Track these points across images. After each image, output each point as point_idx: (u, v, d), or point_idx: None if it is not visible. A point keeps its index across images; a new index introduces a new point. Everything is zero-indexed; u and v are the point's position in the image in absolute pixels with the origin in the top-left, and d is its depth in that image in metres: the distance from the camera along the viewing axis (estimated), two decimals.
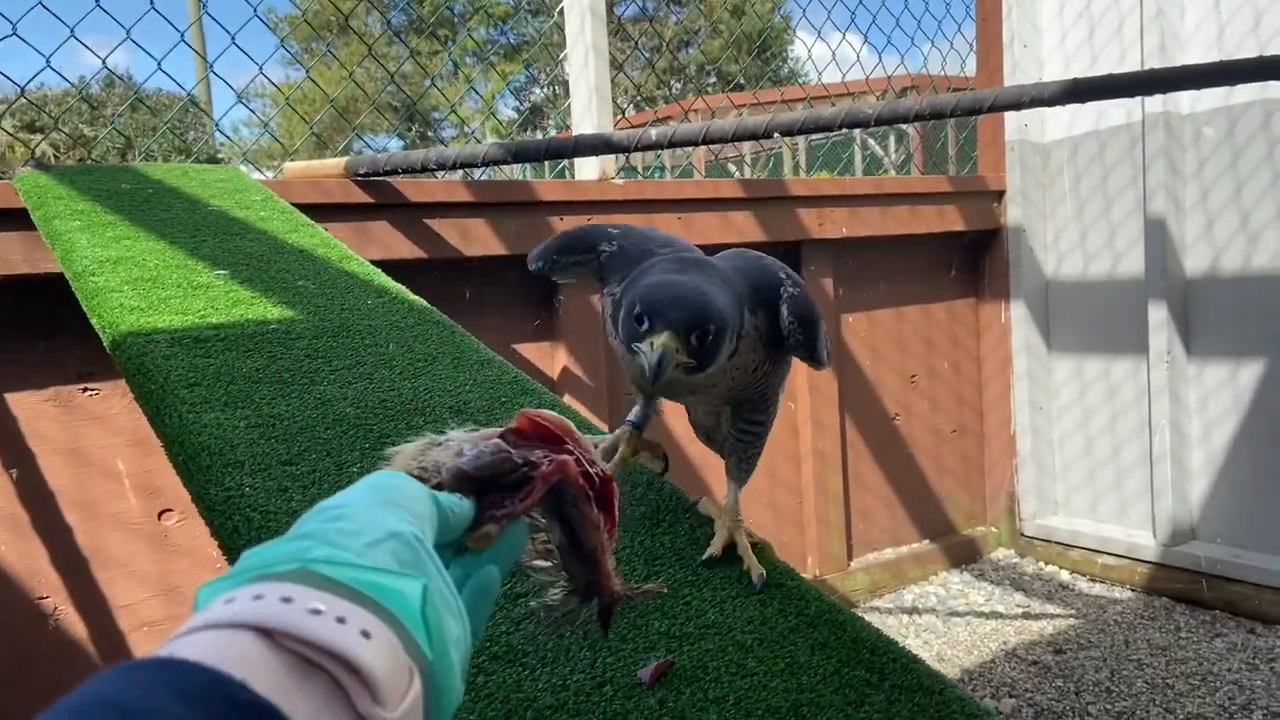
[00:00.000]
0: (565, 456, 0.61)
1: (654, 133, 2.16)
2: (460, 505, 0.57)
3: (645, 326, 0.88)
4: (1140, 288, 3.13)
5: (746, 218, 2.99)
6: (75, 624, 2.15)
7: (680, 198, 2.86)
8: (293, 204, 2.08)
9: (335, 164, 2.36)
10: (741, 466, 1.16)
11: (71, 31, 2.39)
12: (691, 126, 2.15)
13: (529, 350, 2.75)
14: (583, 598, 0.63)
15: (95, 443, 2.19)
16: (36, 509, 2.11)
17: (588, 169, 2.78)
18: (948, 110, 2.02)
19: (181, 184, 2.02)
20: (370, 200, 2.40)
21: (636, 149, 2.20)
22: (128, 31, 2.45)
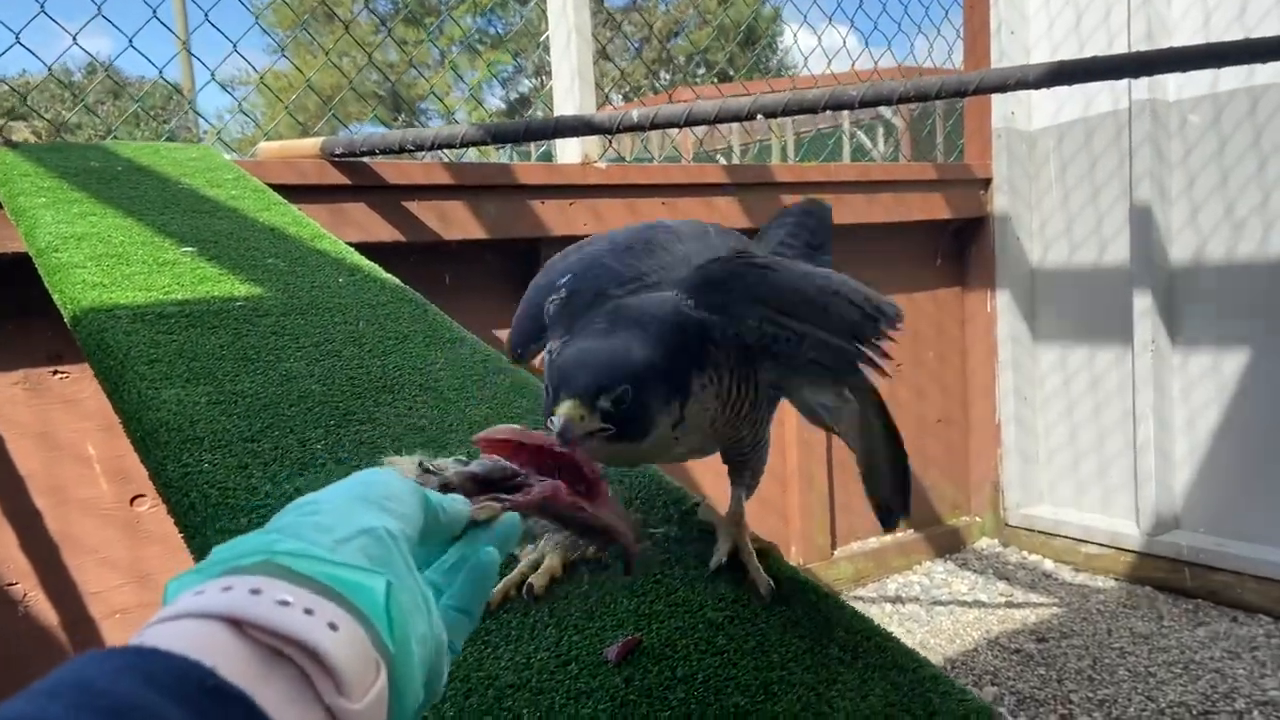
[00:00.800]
0: (556, 482, 0.64)
1: (635, 114, 2.13)
2: (454, 502, 0.58)
3: (551, 397, 0.80)
4: (1125, 276, 3.12)
5: (731, 203, 2.96)
6: (46, 610, 2.11)
7: (665, 183, 2.83)
8: (268, 184, 2.04)
9: (311, 144, 2.32)
10: (745, 474, 1.02)
11: (43, 8, 2.35)
12: (675, 108, 2.13)
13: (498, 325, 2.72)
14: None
15: (65, 426, 2.15)
16: (4, 493, 2.07)
17: (569, 152, 2.74)
18: (933, 92, 2.00)
19: (152, 162, 1.98)
20: (347, 181, 2.36)
21: (618, 130, 2.17)
22: (99, 9, 2.40)
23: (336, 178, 2.35)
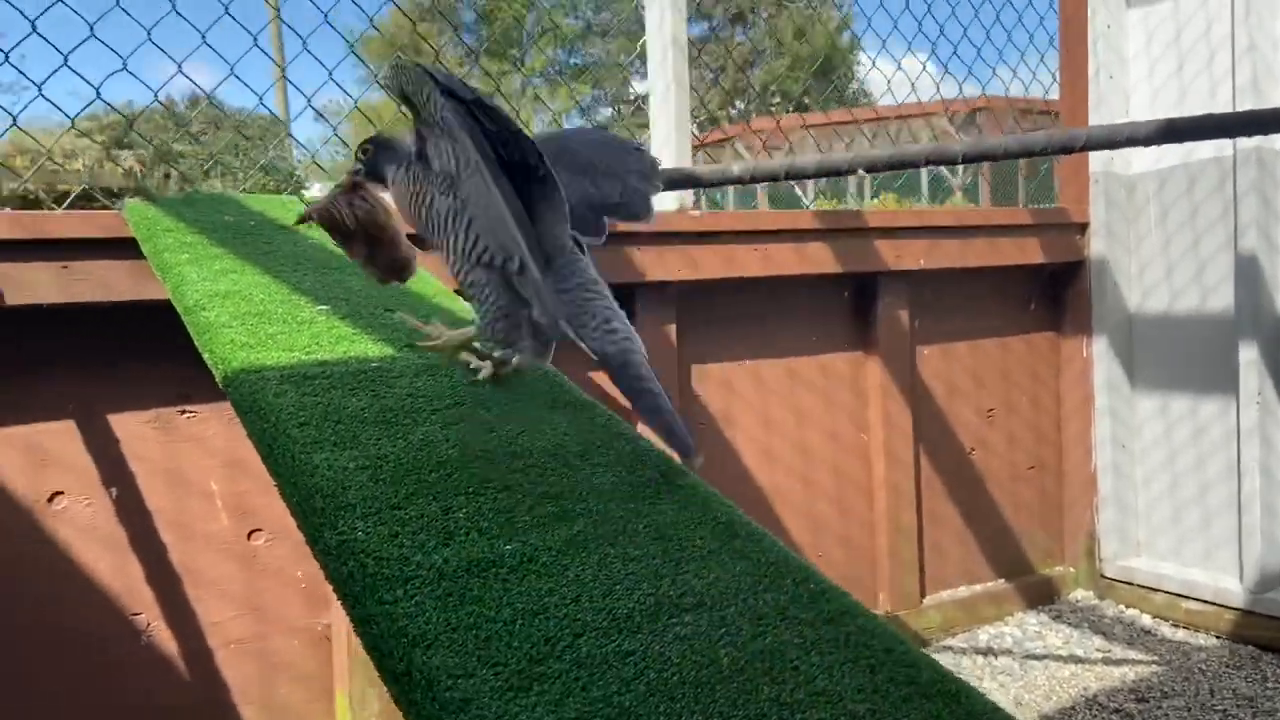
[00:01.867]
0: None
1: (736, 168, 2.18)
2: None
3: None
4: (1229, 326, 3.05)
5: (821, 248, 2.98)
6: (166, 640, 2.22)
7: (756, 229, 2.87)
8: None
9: None
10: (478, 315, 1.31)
11: (149, 33, 2.49)
12: (774, 163, 2.16)
13: (602, 377, 2.77)
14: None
15: (191, 464, 2.26)
16: (134, 528, 2.19)
17: (665, 199, 2.80)
18: (1038, 148, 2.01)
19: (280, 215, 2.08)
20: None
21: (720, 184, 2.21)
22: (203, 36, 2.54)
23: None
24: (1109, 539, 3.46)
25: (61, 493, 2.13)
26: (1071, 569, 3.56)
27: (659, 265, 2.72)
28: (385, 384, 1.35)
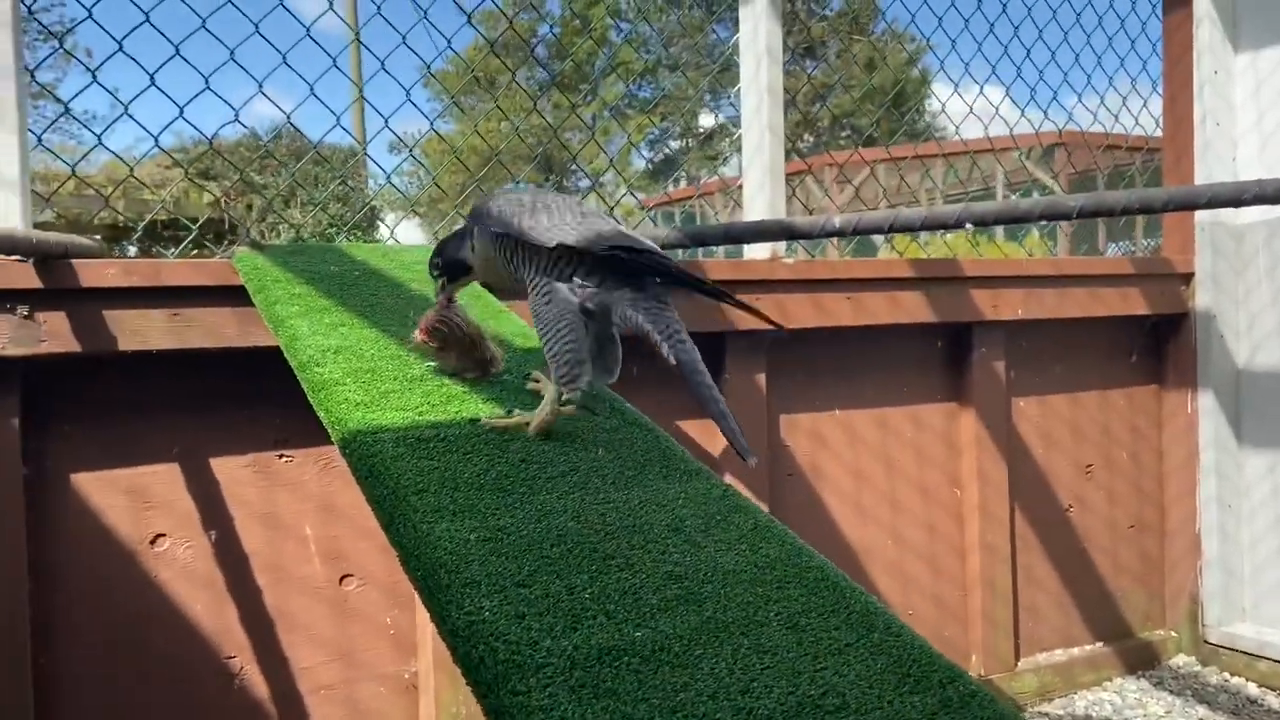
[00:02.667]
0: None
1: (838, 220, 2.14)
2: None
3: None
4: None
5: (916, 298, 2.92)
6: (258, 684, 2.23)
7: (849, 277, 2.82)
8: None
9: None
10: (553, 367, 1.38)
11: (232, 54, 2.55)
12: (878, 215, 2.12)
13: (690, 427, 2.74)
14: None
15: (287, 508, 2.28)
16: (231, 570, 2.21)
17: (758, 248, 2.77)
18: (1159, 205, 1.93)
19: (383, 265, 2.10)
20: None
21: (819, 236, 2.18)
22: (284, 57, 2.59)
23: None
24: (1213, 603, 3.30)
25: (163, 535, 2.16)
26: (1173, 633, 3.41)
27: (748, 314, 2.67)
28: (499, 448, 1.33)
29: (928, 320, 2.94)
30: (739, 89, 2.80)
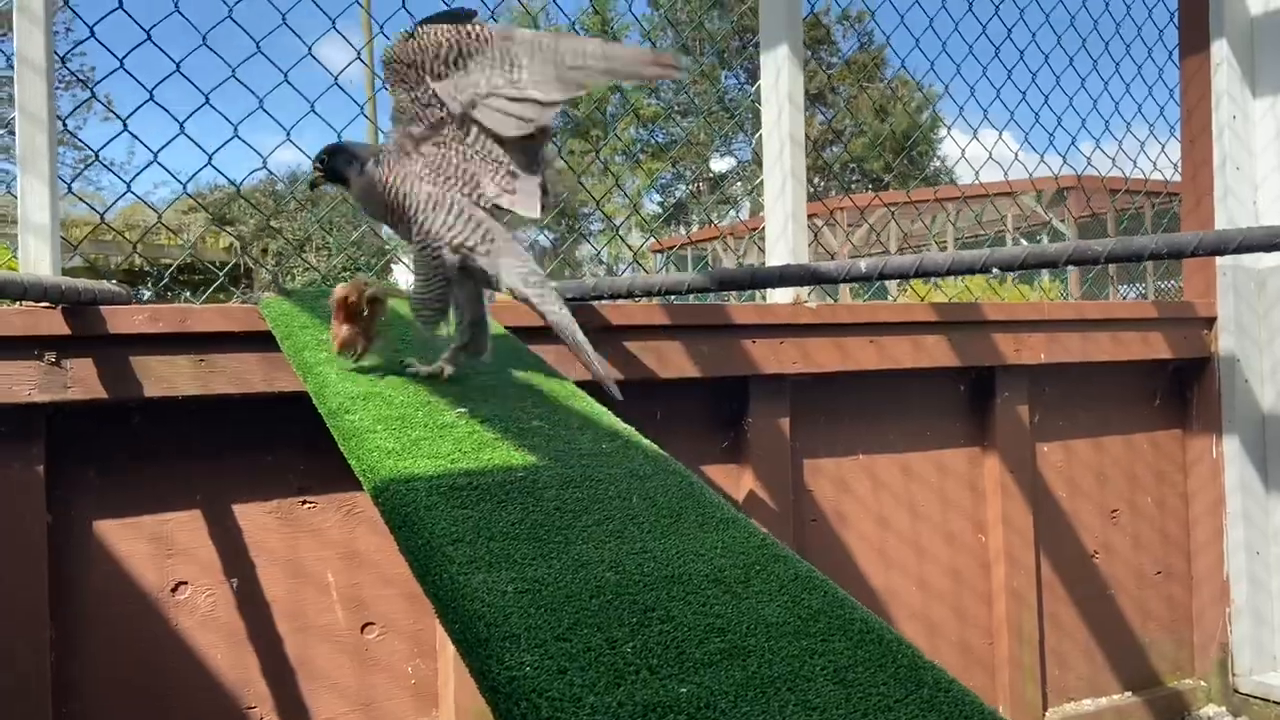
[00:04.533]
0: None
1: (863, 265, 2.14)
2: None
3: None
4: None
5: (939, 342, 2.91)
6: None
7: (873, 321, 2.81)
8: (504, 326, 2.14)
9: None
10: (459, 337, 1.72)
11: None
12: (905, 259, 2.12)
13: (715, 471, 2.73)
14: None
15: (309, 555, 2.27)
16: (252, 619, 2.19)
17: (780, 293, 2.77)
18: (1189, 249, 1.93)
19: (406, 311, 2.10)
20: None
21: (844, 280, 2.17)
22: (312, 106, 2.61)
23: None
24: (1243, 652, 3.24)
25: (185, 583, 2.15)
26: (1202, 683, 3.34)
27: (772, 358, 2.67)
28: (532, 495, 1.32)
29: (951, 364, 2.92)
30: (758, 135, 2.82)
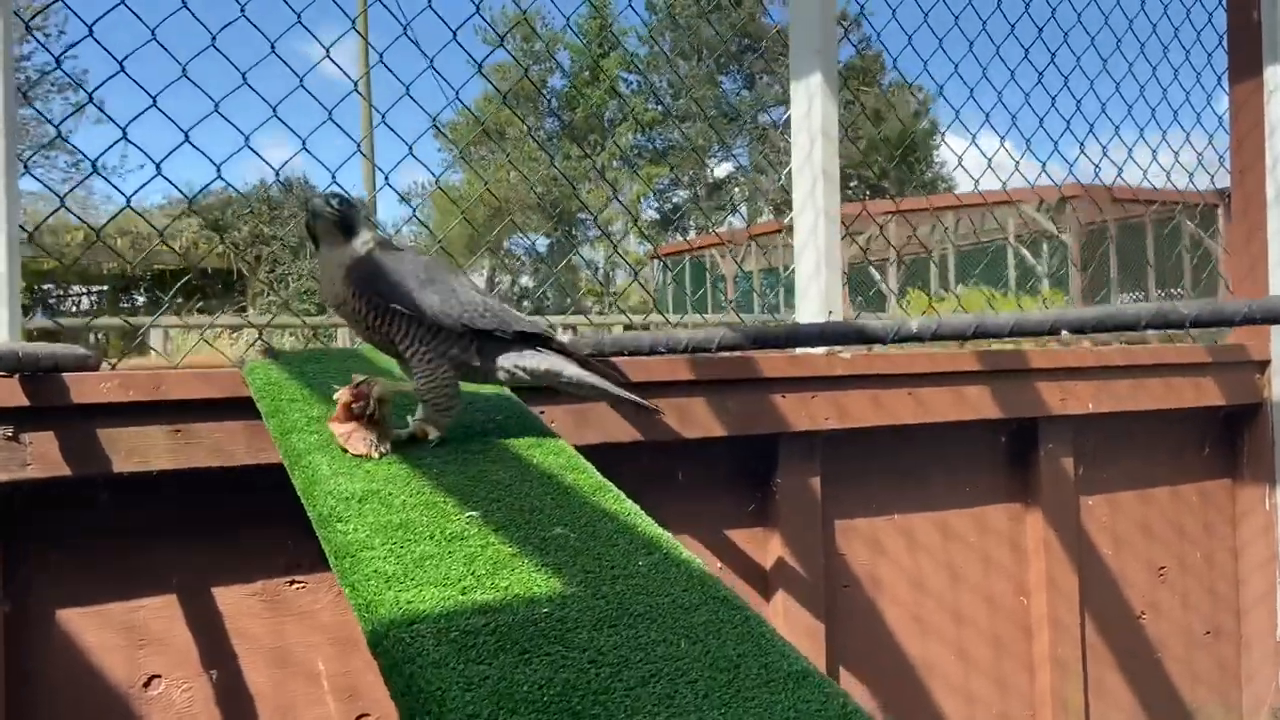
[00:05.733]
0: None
1: (914, 324, 1.93)
2: None
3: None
4: None
5: (981, 392, 2.69)
6: None
7: (911, 372, 2.59)
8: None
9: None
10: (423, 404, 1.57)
11: (275, 111, 2.35)
12: (961, 319, 1.91)
13: (740, 537, 2.51)
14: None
15: (297, 640, 2.05)
16: (233, 714, 1.97)
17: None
18: (1238, 317, 1.73)
19: (408, 376, 1.89)
20: None
21: (894, 340, 1.96)
22: (329, 114, 2.40)
23: None
24: None
25: (158, 676, 1.92)
26: None
27: (804, 413, 2.46)
28: (562, 642, 1.10)
29: (993, 415, 2.71)
30: (788, 170, 2.61)
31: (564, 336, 1.67)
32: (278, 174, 2.30)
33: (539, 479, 1.52)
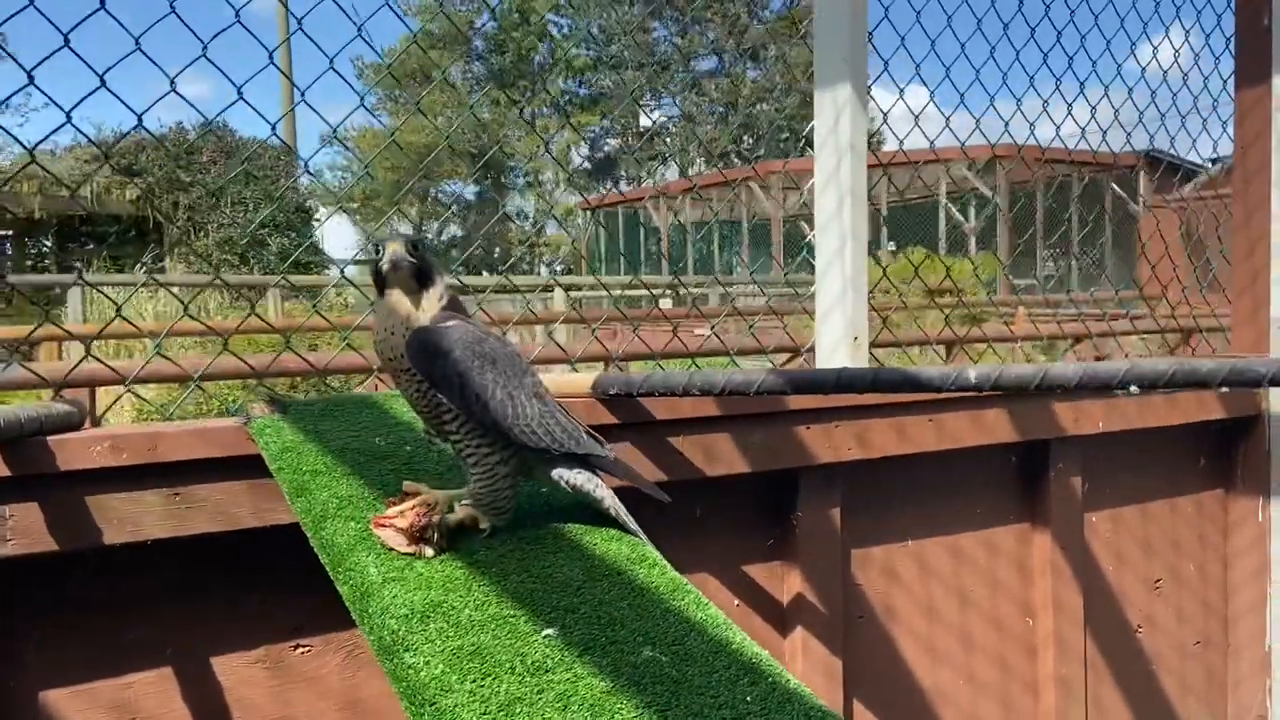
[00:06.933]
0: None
1: (973, 374, 1.82)
2: None
3: (379, 250, 1.37)
4: None
5: (999, 415, 2.62)
6: None
7: (931, 398, 2.50)
8: None
9: (583, 380, 2.05)
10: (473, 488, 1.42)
11: (237, 92, 2.11)
12: (1024, 369, 1.80)
13: (758, 572, 2.41)
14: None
15: (304, 709, 1.88)
16: None
17: (836, 361, 2.44)
18: (1266, 378, 1.65)
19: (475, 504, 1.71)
20: (615, 420, 2.09)
21: (950, 390, 1.85)
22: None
23: (606, 417, 2.07)
24: None
25: None
26: None
27: (827, 445, 2.35)
28: None
29: (1009, 439, 2.64)
30: (812, 184, 2.46)
31: (608, 451, 1.53)
32: (209, 122, 1.99)
33: (608, 577, 1.38)
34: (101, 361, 2.28)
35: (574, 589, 1.33)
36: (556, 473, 1.46)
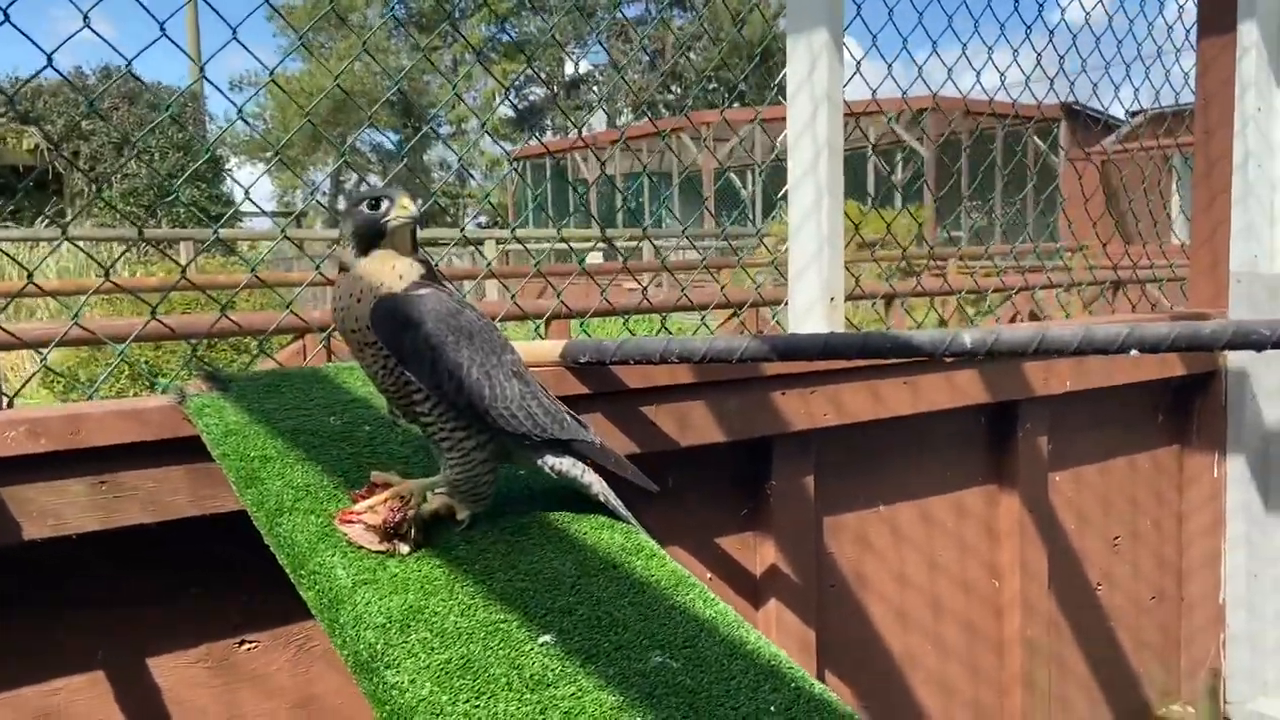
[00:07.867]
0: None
1: (968, 339, 1.72)
2: None
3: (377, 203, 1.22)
4: None
5: (971, 377, 2.55)
6: None
7: (908, 361, 2.41)
8: None
9: (551, 348, 1.90)
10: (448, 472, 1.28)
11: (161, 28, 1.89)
12: (1021, 334, 1.71)
13: (730, 543, 2.31)
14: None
15: (252, 709, 1.73)
16: None
17: (811, 324, 2.33)
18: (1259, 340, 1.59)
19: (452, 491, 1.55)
20: (586, 390, 1.95)
21: (943, 355, 1.75)
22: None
23: (576, 386, 1.93)
24: (1236, 679, 3.13)
25: None
26: (1190, 709, 3.22)
27: (803, 411, 2.25)
28: None
29: (981, 400, 2.58)
30: (783, 136, 2.33)
31: (593, 436, 1.40)
32: (129, 63, 1.73)
33: (604, 571, 1.25)
34: (6, 330, 2.05)
35: (568, 586, 1.19)
36: (540, 459, 1.33)
